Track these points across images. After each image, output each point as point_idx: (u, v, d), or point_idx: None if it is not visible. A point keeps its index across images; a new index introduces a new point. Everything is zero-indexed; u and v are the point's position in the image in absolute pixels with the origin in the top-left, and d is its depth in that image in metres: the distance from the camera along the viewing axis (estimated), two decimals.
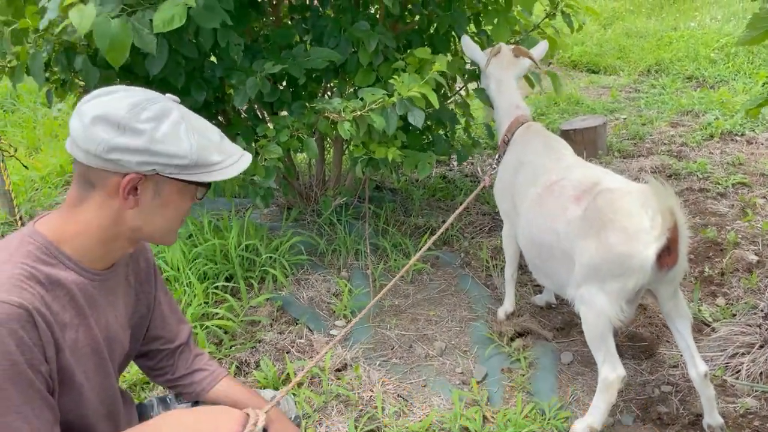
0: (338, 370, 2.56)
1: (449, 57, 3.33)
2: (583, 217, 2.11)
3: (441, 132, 3.56)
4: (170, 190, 1.17)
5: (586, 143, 4.61)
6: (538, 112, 5.71)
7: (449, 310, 2.99)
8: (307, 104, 2.93)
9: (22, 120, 5.89)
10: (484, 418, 2.29)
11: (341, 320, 2.89)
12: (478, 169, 4.56)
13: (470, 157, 4.42)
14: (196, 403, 1.53)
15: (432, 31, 3.38)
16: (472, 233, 3.64)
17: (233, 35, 2.58)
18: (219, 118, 3.33)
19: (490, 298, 3.05)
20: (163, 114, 1.12)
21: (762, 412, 2.24)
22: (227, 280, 3.03)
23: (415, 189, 4.11)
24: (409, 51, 3.00)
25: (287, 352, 2.63)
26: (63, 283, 1.14)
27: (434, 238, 2.54)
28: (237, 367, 2.54)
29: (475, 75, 3.37)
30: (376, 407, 2.33)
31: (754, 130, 5.03)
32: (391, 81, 2.72)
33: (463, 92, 3.79)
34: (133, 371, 2.41)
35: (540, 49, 2.83)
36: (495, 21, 3.17)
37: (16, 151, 3.65)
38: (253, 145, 2.78)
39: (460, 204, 2.68)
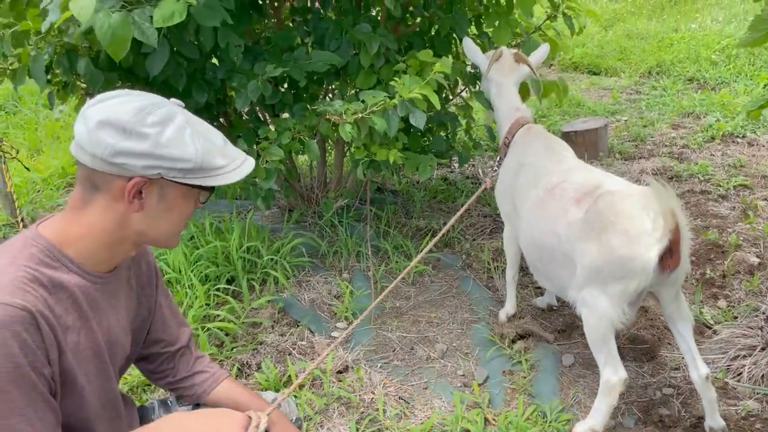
0: (339, 372, 2.57)
1: (450, 59, 3.33)
2: (585, 220, 2.11)
3: (442, 134, 3.56)
4: (175, 194, 1.18)
5: (587, 145, 4.61)
6: (540, 114, 5.71)
7: (450, 312, 2.99)
8: (308, 106, 2.94)
9: (23, 122, 5.90)
10: (486, 420, 2.28)
11: (342, 322, 2.89)
12: (479, 170, 4.56)
13: (471, 159, 4.42)
14: (197, 406, 1.53)
15: (433, 33, 3.38)
16: (473, 235, 3.64)
17: (233, 36, 2.59)
18: (220, 120, 3.34)
19: (491, 300, 3.05)
20: (168, 118, 1.12)
21: (764, 415, 2.24)
22: (229, 282, 3.03)
23: (417, 191, 4.11)
24: (410, 53, 3.01)
25: (288, 354, 2.63)
26: (66, 286, 1.14)
27: (435, 240, 2.54)
28: (238, 369, 2.54)
29: (476, 77, 3.37)
30: (377, 409, 2.33)
31: (755, 132, 5.03)
32: (392, 83, 2.73)
33: (464, 94, 3.79)
34: (134, 374, 2.42)
35: (541, 52, 2.83)
36: (496, 23, 3.18)
37: (17, 152, 3.65)
38: (255, 147, 2.78)
39: (461, 206, 2.68)
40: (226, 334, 2.71)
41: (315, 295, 3.05)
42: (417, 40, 3.30)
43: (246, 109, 3.19)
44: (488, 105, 2.90)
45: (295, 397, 2.33)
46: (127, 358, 1.38)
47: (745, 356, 2.46)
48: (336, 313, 2.94)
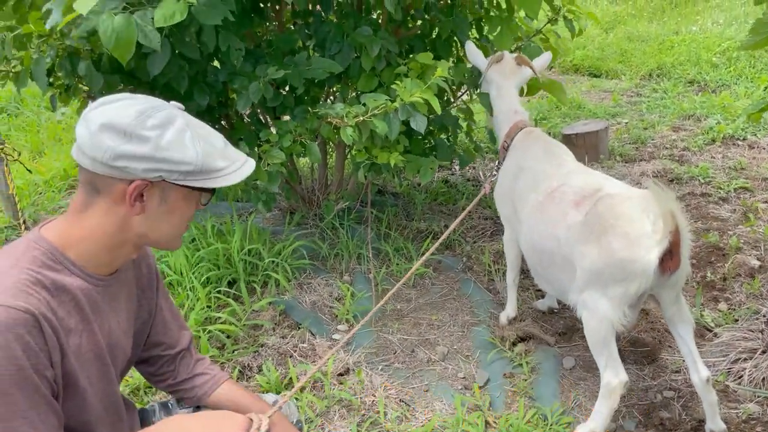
0: (340, 374, 2.57)
1: (451, 62, 3.34)
2: (584, 223, 2.11)
3: (443, 137, 3.57)
4: (176, 197, 1.19)
5: (587, 147, 4.62)
6: (540, 117, 5.71)
7: (451, 314, 2.99)
8: (309, 109, 2.94)
9: (25, 124, 5.91)
10: (486, 423, 2.29)
11: (344, 324, 2.89)
12: (480, 173, 4.57)
13: (472, 162, 4.43)
14: (197, 408, 1.53)
15: (434, 36, 3.39)
16: (474, 237, 3.65)
17: (234, 39, 2.59)
18: (222, 122, 3.34)
19: (492, 303, 3.05)
20: (168, 121, 1.13)
21: (764, 418, 2.24)
22: (230, 284, 3.03)
23: (417, 193, 4.11)
24: (411, 56, 3.01)
25: (290, 357, 2.64)
26: (68, 288, 1.15)
27: (437, 243, 2.55)
28: (239, 371, 2.54)
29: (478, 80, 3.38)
30: (378, 412, 2.33)
31: (756, 135, 5.03)
32: (393, 86, 2.73)
33: (465, 97, 3.80)
34: (135, 376, 2.42)
35: (543, 60, 2.83)
36: (498, 29, 3.19)
37: (19, 155, 3.66)
38: (256, 149, 2.79)
39: (462, 208, 2.69)
40: (228, 337, 2.72)
41: (316, 298, 3.05)
42: (418, 43, 3.31)
43: (247, 112, 3.20)
44: (490, 108, 2.90)
45: (296, 399, 2.33)
46: (128, 360, 1.39)
47: (745, 359, 2.46)
48: (337, 316, 2.94)
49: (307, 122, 2.82)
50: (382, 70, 2.95)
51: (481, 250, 3.47)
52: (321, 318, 2.92)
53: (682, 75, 6.89)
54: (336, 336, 2.81)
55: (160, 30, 2.13)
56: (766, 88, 6.01)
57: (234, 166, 1.21)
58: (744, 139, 4.97)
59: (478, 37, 3.56)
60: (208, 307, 2.83)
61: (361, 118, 2.68)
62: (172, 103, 1.19)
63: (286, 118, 3.04)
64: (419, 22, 3.38)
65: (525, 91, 3.25)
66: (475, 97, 3.94)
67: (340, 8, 3.19)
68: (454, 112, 3.67)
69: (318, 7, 3.17)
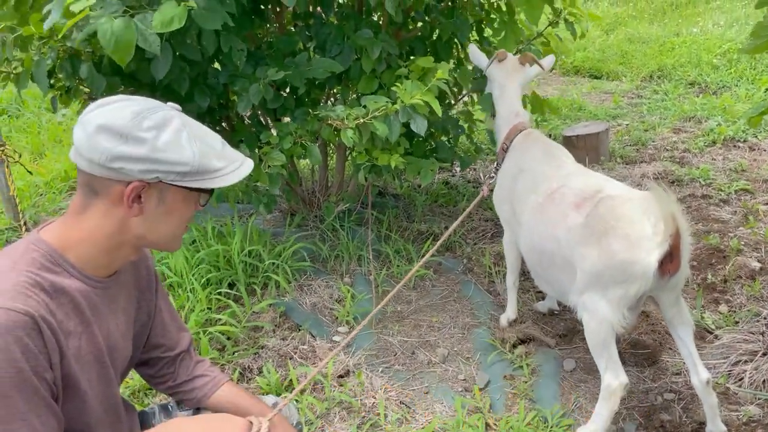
0: (341, 376, 2.57)
1: (452, 64, 3.34)
2: (585, 224, 2.11)
3: (444, 139, 3.57)
4: (174, 197, 1.18)
5: (588, 149, 4.61)
6: (541, 119, 5.71)
7: (452, 316, 2.99)
8: (310, 111, 2.95)
9: (26, 125, 5.91)
10: (487, 425, 2.28)
11: (344, 326, 2.89)
12: (481, 175, 4.57)
13: (473, 163, 4.43)
14: (197, 410, 1.53)
15: (435, 39, 3.39)
16: (474, 239, 3.64)
17: (236, 41, 2.59)
18: (223, 124, 3.35)
19: (492, 305, 3.05)
20: (164, 122, 1.13)
21: (765, 420, 2.24)
22: (230, 286, 3.03)
23: (418, 195, 4.11)
24: (412, 58, 3.02)
25: (290, 358, 2.63)
26: (67, 290, 1.15)
27: (437, 245, 2.55)
28: (240, 373, 2.54)
29: (479, 83, 3.38)
30: (378, 414, 2.33)
31: (756, 137, 5.03)
32: (394, 88, 2.73)
33: (466, 99, 3.80)
34: (135, 378, 2.42)
35: (546, 63, 2.82)
36: (503, 34, 3.19)
37: (20, 156, 3.66)
38: (257, 151, 2.79)
39: (463, 210, 2.69)
40: (228, 338, 2.71)
41: (316, 299, 3.05)
42: (418, 45, 3.31)
43: (248, 114, 3.20)
44: (492, 110, 2.89)
45: (296, 401, 2.33)
46: (128, 362, 1.39)
47: (746, 361, 2.46)
48: (337, 317, 2.94)
49: (307, 124, 2.82)
50: (382, 72, 2.96)
51: (482, 251, 3.47)
52: (321, 320, 2.92)
53: (682, 77, 6.89)
54: (336, 338, 2.81)
55: (160, 33, 2.13)
56: (766, 89, 6.01)
57: (232, 166, 1.21)
58: (745, 141, 4.96)
59: (478, 39, 3.56)
60: (208, 308, 2.83)
61: (362, 120, 2.69)
62: (169, 104, 1.19)
63: (287, 119, 3.04)
64: (420, 24, 3.38)
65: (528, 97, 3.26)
66: (479, 97, 3.95)
67: (340, 10, 3.20)
68: (454, 114, 3.67)
69: (319, 9, 3.18)
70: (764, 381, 2.37)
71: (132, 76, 2.78)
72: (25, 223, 3.60)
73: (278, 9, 3.22)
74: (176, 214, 1.21)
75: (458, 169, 4.61)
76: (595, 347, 2.13)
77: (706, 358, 2.51)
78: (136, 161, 1.10)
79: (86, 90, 2.92)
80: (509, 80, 2.74)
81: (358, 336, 2.79)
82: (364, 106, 2.73)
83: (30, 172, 3.95)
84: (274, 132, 2.89)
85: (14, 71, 2.81)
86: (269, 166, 2.72)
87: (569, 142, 4.57)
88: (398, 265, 3.29)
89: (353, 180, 3.76)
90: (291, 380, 2.47)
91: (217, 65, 3.00)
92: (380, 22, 3.21)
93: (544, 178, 2.43)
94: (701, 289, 3.00)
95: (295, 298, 3.05)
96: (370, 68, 2.91)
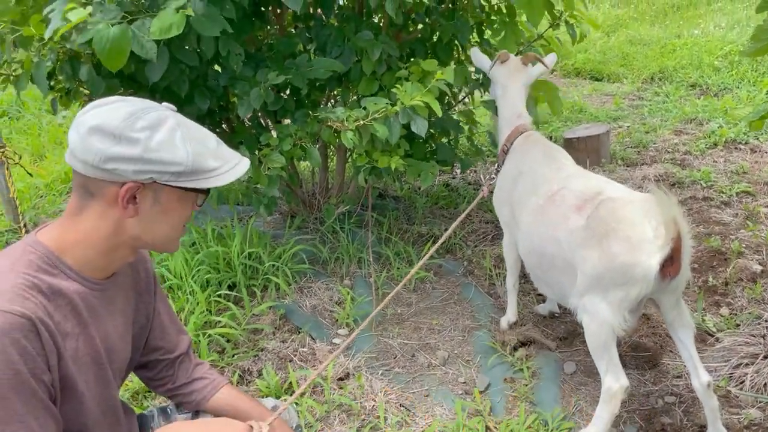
0: (340, 379, 2.56)
1: (453, 66, 3.34)
2: (586, 227, 2.11)
3: (444, 140, 3.56)
4: (169, 198, 1.18)
5: (589, 151, 4.61)
6: (542, 121, 5.71)
7: (452, 318, 2.98)
8: (310, 113, 2.94)
9: (27, 127, 5.92)
10: (487, 428, 2.28)
11: (344, 329, 2.88)
12: (481, 177, 4.56)
13: (473, 165, 4.42)
14: (196, 414, 1.53)
15: (435, 40, 3.39)
16: (475, 241, 3.64)
17: (234, 45, 2.59)
18: (223, 126, 3.35)
19: (493, 307, 3.04)
20: (158, 122, 1.12)
21: (766, 424, 2.23)
22: (230, 288, 3.03)
23: (418, 197, 4.11)
24: (412, 59, 3.01)
25: (290, 361, 2.63)
26: (64, 292, 1.14)
27: (436, 246, 2.54)
28: (239, 375, 2.54)
29: (479, 84, 3.38)
30: (378, 417, 2.33)
31: (758, 138, 5.02)
32: (394, 90, 2.73)
33: (467, 100, 3.80)
34: (134, 380, 2.41)
35: (548, 60, 2.82)
36: (502, 34, 3.18)
37: (20, 158, 3.67)
38: (257, 153, 2.79)
39: (463, 212, 2.68)
40: (227, 341, 2.71)
41: (316, 302, 3.04)
42: (419, 46, 3.31)
43: (248, 116, 3.20)
44: (496, 111, 2.89)
45: (296, 404, 2.32)
46: (127, 365, 1.38)
47: (747, 364, 2.45)
48: (337, 320, 2.93)
49: (307, 126, 2.82)
50: (382, 73, 2.95)
51: (482, 254, 3.47)
52: (321, 322, 2.92)
53: (684, 78, 6.88)
54: (336, 340, 2.81)
55: (157, 40, 2.13)
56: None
57: (227, 165, 1.20)
58: (746, 143, 4.96)
59: (479, 41, 3.55)
60: (207, 311, 2.82)
61: (362, 122, 2.68)
62: (164, 104, 1.18)
63: (287, 121, 3.04)
64: (420, 26, 3.38)
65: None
66: (479, 100, 3.95)
67: (341, 12, 3.20)
68: (455, 115, 3.67)
69: (319, 10, 3.18)
70: (765, 384, 2.36)
71: (132, 78, 2.78)
72: (24, 225, 3.60)
73: (279, 11, 3.22)
74: (172, 215, 1.20)
75: (458, 171, 4.61)
76: (595, 350, 2.12)
77: (707, 361, 2.50)
78: (129, 162, 1.10)
79: (86, 92, 2.92)
80: (512, 81, 2.73)
81: (358, 338, 2.78)
82: (364, 108, 2.72)
83: (30, 174, 3.96)
84: (274, 134, 2.89)
85: (14, 73, 2.81)
86: (269, 168, 2.72)
87: (570, 144, 4.56)
88: (398, 268, 3.29)
89: (353, 182, 3.76)
90: (291, 383, 2.46)
91: (217, 67, 3.00)
92: (381, 24, 3.21)
93: (544, 180, 2.42)
94: (702, 292, 2.99)
95: (295, 300, 3.04)
96: (370, 70, 2.90)
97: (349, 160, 3.71)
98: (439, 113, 2.72)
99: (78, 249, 1.16)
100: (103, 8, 2.15)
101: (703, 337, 2.69)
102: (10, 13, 2.67)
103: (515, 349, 2.70)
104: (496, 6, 3.40)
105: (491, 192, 2.79)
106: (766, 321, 2.64)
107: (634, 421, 2.31)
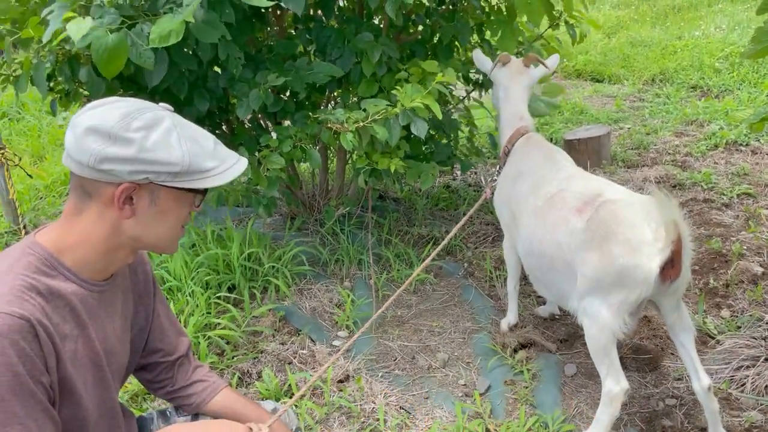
0: (340, 381, 2.55)
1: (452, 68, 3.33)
2: (586, 229, 2.10)
3: (444, 141, 3.56)
4: (166, 198, 1.18)
5: (590, 153, 4.60)
6: (542, 122, 5.71)
7: (452, 321, 2.98)
8: (310, 114, 2.94)
9: (26, 128, 5.93)
10: (487, 430, 2.27)
11: (344, 331, 2.88)
12: (482, 178, 4.56)
13: (473, 167, 4.42)
14: (195, 416, 1.52)
15: (435, 42, 3.38)
16: (475, 243, 3.63)
17: (234, 48, 2.59)
18: (222, 127, 3.34)
19: (493, 309, 3.04)
20: (154, 123, 1.12)
21: (767, 426, 2.22)
22: (229, 290, 3.03)
23: (419, 198, 4.10)
24: (412, 61, 3.01)
25: (289, 363, 2.62)
26: (63, 294, 1.14)
27: (438, 249, 2.54)
28: (239, 377, 2.53)
29: (479, 85, 3.38)
30: (378, 419, 2.32)
31: (759, 140, 5.01)
32: (394, 91, 2.73)
33: (466, 101, 3.79)
34: (134, 382, 2.41)
35: (551, 61, 2.81)
36: (500, 33, 3.18)
37: (20, 159, 3.66)
38: (256, 155, 2.78)
39: (464, 214, 2.68)
40: (227, 343, 2.70)
41: (316, 304, 3.04)
42: (419, 48, 3.31)
43: (248, 118, 3.20)
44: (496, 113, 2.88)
45: (296, 406, 2.32)
46: (126, 367, 1.38)
47: (748, 367, 2.45)
48: (337, 322, 2.93)
49: (307, 127, 2.82)
50: (382, 75, 2.95)
51: (483, 256, 3.46)
52: (321, 324, 2.91)
53: (684, 80, 6.88)
54: (336, 342, 2.80)
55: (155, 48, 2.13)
56: None
57: (224, 165, 1.20)
58: (747, 145, 4.95)
59: (479, 42, 3.55)
60: (207, 312, 2.82)
61: (362, 124, 2.68)
62: (161, 104, 1.18)
63: (287, 123, 3.04)
64: (420, 28, 3.38)
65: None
66: (477, 101, 3.94)
67: (341, 13, 3.20)
68: (454, 116, 3.67)
69: (319, 12, 3.18)
70: (766, 386, 2.36)
71: (131, 80, 2.78)
72: (24, 227, 3.60)
73: (278, 12, 3.22)
74: (170, 216, 1.20)
75: (459, 172, 4.60)
76: (596, 352, 2.11)
77: (707, 363, 2.49)
78: (124, 162, 1.09)
79: (86, 93, 2.92)
80: (513, 83, 2.72)
81: (358, 341, 2.78)
82: (364, 110, 2.72)
83: (30, 176, 3.95)
84: (273, 135, 2.89)
85: (14, 74, 2.80)
86: (268, 170, 2.71)
87: (571, 146, 4.56)
88: (399, 270, 3.28)
89: (353, 184, 3.75)
90: (290, 385, 2.45)
91: (217, 69, 2.99)
92: (381, 26, 3.21)
93: (544, 181, 2.42)
94: (703, 294, 2.99)
95: (294, 302, 3.04)
96: (370, 72, 2.90)
97: (349, 161, 3.71)
98: (440, 115, 2.72)
99: (76, 250, 1.16)
100: (102, 12, 2.14)
101: (704, 340, 2.68)
102: (11, 11, 2.67)
103: (515, 351, 2.70)
104: (496, 6, 3.39)
105: (493, 194, 2.78)
106: (767, 323, 2.63)
107: (635, 423, 2.31)
